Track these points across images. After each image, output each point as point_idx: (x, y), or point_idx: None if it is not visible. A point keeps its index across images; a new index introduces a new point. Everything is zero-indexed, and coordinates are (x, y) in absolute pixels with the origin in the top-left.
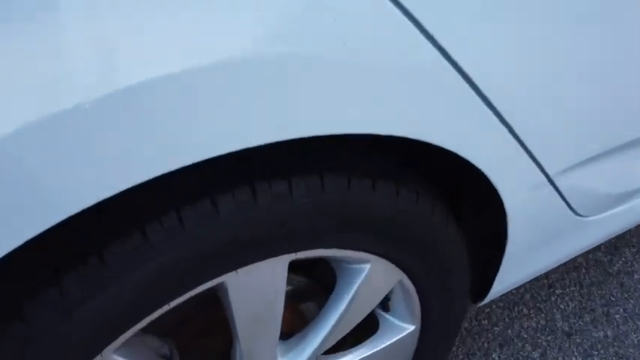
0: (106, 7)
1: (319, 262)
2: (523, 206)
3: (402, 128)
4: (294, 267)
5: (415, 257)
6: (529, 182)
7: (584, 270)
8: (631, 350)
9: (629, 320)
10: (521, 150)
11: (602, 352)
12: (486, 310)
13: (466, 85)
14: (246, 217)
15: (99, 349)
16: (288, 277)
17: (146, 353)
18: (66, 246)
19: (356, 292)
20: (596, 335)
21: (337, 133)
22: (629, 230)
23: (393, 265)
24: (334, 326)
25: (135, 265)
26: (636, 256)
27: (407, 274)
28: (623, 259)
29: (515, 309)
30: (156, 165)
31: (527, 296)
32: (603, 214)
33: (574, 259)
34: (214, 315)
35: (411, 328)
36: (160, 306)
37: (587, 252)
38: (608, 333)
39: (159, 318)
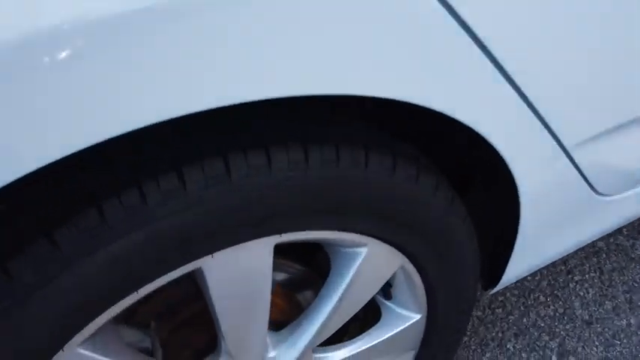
0: None
1: (317, 248)
2: (537, 183)
3: (399, 90)
4: (289, 253)
5: (417, 240)
6: (543, 155)
7: (604, 255)
8: None
9: None
10: (534, 118)
11: (624, 341)
12: (500, 299)
13: (474, 47)
14: (219, 193)
15: (60, 343)
16: (284, 265)
17: (122, 347)
18: (12, 226)
19: (352, 278)
20: (618, 324)
21: (323, 93)
22: None
23: (393, 249)
24: (329, 316)
25: (91, 248)
26: None
27: (409, 259)
28: None
29: (531, 297)
30: (115, 123)
31: (544, 283)
32: (626, 194)
33: (594, 244)
34: (200, 304)
35: (416, 317)
36: (126, 294)
37: (608, 236)
38: (632, 321)
39: (140, 308)
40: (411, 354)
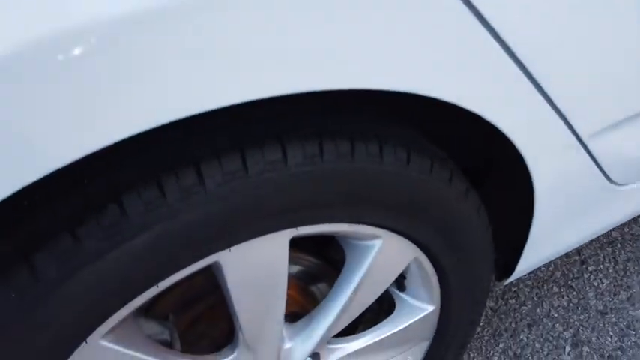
0: None
1: (333, 242)
2: (551, 172)
3: (405, 82)
4: (305, 247)
5: (431, 232)
6: (557, 145)
7: (619, 245)
8: None
9: None
10: (548, 107)
11: None
12: (513, 289)
13: (484, 31)
14: (236, 188)
15: (82, 336)
16: (299, 258)
17: (142, 339)
18: (35, 222)
19: (366, 270)
20: (633, 313)
21: (327, 88)
22: None
23: (407, 241)
24: (344, 308)
25: (113, 243)
26: None
27: (423, 251)
28: None
29: (545, 287)
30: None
31: (558, 274)
32: None
33: (608, 234)
34: (217, 297)
35: (430, 308)
36: (146, 288)
37: (622, 225)
38: None
39: (159, 301)
40: (425, 344)
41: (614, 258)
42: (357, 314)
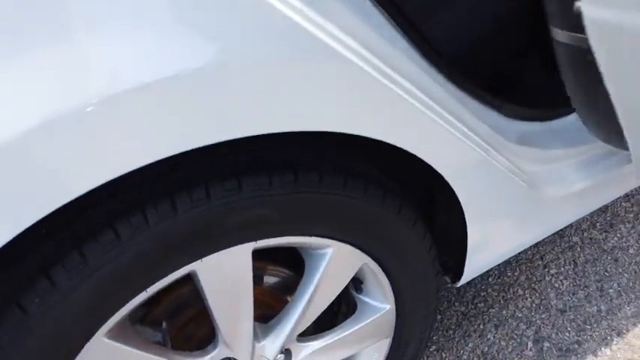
0: None
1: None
2: (472, 186)
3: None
4: (280, 261)
5: (373, 242)
6: (469, 161)
7: (579, 249)
8: (624, 322)
9: (623, 294)
10: (450, 128)
11: (595, 325)
12: (482, 294)
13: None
14: (202, 212)
15: (91, 333)
16: (276, 271)
17: (138, 339)
18: (52, 243)
19: (321, 274)
20: (589, 310)
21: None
22: (625, 207)
23: (354, 249)
24: (305, 307)
25: (110, 258)
26: (631, 232)
27: (370, 257)
28: (618, 235)
29: (510, 290)
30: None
31: (522, 277)
32: (564, 190)
33: (569, 239)
34: (202, 305)
35: (386, 307)
36: (138, 292)
37: (582, 230)
38: (602, 307)
39: (153, 311)
40: (387, 341)
41: (574, 261)
42: (319, 313)
